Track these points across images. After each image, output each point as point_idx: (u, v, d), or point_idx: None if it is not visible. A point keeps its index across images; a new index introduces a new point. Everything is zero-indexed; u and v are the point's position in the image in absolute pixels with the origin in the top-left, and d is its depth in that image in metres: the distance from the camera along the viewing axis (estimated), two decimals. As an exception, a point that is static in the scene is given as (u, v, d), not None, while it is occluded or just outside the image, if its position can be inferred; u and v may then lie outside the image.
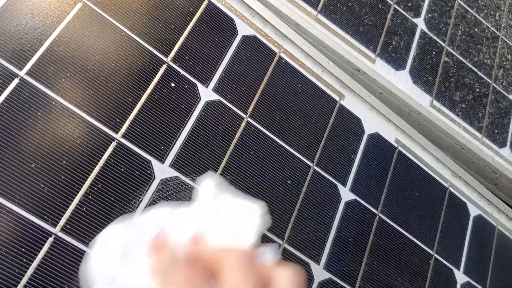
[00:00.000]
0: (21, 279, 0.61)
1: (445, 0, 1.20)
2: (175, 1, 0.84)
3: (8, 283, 0.60)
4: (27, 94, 0.68)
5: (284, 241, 0.81)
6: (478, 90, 1.15)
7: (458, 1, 1.22)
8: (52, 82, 0.70)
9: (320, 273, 0.82)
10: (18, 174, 0.64)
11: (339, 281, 0.84)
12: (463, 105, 1.10)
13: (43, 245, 0.63)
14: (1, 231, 0.61)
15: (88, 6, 0.76)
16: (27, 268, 0.62)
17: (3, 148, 0.64)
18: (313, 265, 0.82)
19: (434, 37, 1.13)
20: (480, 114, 1.12)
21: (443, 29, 1.15)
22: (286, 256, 0.80)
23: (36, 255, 0.63)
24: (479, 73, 1.17)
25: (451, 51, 1.14)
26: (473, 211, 1.06)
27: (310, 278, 0.81)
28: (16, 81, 0.67)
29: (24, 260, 0.62)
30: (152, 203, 0.72)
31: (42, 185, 0.65)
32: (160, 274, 0.30)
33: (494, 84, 1.18)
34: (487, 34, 1.23)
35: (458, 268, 0.99)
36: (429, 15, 1.15)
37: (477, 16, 1.24)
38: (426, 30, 1.13)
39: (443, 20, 1.17)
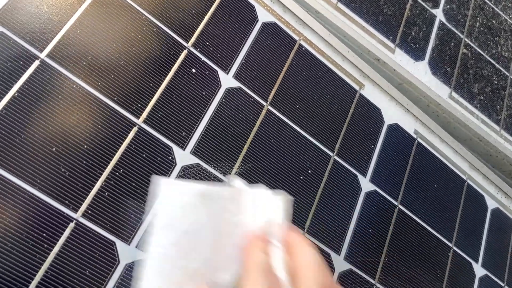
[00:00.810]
0: (42, 264, 0.60)
1: (463, -9, 1.18)
2: (196, -15, 0.82)
3: (29, 269, 0.59)
4: (47, 76, 0.66)
5: (305, 231, 0.79)
6: (496, 82, 1.13)
7: (476, -8, 1.20)
8: (73, 65, 0.68)
9: (340, 263, 0.81)
10: (39, 158, 0.63)
11: (359, 272, 0.82)
12: (481, 97, 1.09)
13: (64, 230, 0.62)
14: (22, 216, 0.60)
15: (109, -12, 0.74)
16: (48, 254, 0.60)
17: (23, 131, 0.63)
18: (333, 255, 0.81)
19: (453, 29, 1.12)
20: (498, 106, 1.11)
21: (461, 20, 1.14)
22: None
23: (57, 240, 0.61)
24: (497, 65, 1.15)
25: (469, 42, 1.13)
26: (491, 204, 1.05)
27: (331, 268, 0.80)
28: (36, 63, 0.66)
29: (45, 246, 0.60)
30: (173, 190, 0.70)
31: (63, 169, 0.64)
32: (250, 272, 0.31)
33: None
34: (505, 26, 1.22)
35: (477, 261, 0.97)
36: (448, 6, 1.13)
37: (495, 8, 1.22)
38: (444, 21, 1.11)
39: (461, 12, 1.15)
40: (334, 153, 0.87)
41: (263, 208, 0.36)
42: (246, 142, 0.79)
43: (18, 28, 0.66)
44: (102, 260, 0.63)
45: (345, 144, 0.89)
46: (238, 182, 0.37)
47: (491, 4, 1.22)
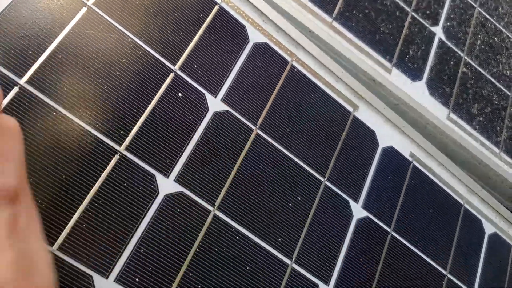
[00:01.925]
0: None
1: (464, 8, 1.15)
2: (184, 6, 0.80)
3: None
4: (26, 103, 0.64)
5: (293, 261, 0.77)
6: (496, 102, 1.10)
7: (478, 9, 1.17)
8: (53, 91, 0.66)
9: (329, 294, 0.79)
10: (15, 189, 0.61)
11: (348, 303, 0.80)
12: (481, 118, 1.06)
13: (40, 264, 0.60)
14: (-4, 250, 0.58)
15: (94, 10, 0.72)
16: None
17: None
18: (322, 286, 0.79)
19: (453, 47, 1.09)
20: (498, 127, 1.08)
21: (462, 38, 1.11)
22: (295, 277, 0.76)
23: (32, 275, 0.59)
24: (498, 84, 1.12)
25: (470, 61, 1.10)
26: (488, 229, 1.02)
27: (318, 300, 0.78)
28: (15, 89, 0.64)
29: (19, 280, 0.59)
30: (155, 219, 0.68)
31: (39, 201, 0.62)
32: None
33: (513, 96, 1.13)
34: (507, 43, 1.19)
35: (472, 290, 0.95)
36: (448, 23, 1.10)
37: (497, 24, 1.19)
38: (444, 39, 1.09)
39: (462, 29, 1.12)
40: (325, 179, 0.85)
41: None
42: (233, 168, 0.77)
43: (-3, 53, 0.64)
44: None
45: (337, 168, 0.87)
46: None
47: (493, 21, 1.19)
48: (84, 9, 0.72)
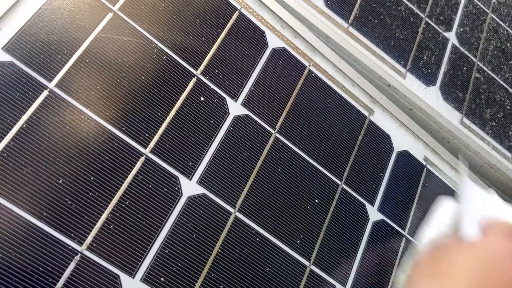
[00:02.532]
0: (46, 298, 0.60)
1: (477, 14, 1.17)
2: (206, 12, 0.82)
3: (33, 302, 0.59)
4: (56, 107, 0.66)
5: (311, 262, 0.79)
6: (509, 107, 1.12)
7: (491, 15, 1.19)
8: (81, 95, 0.68)
9: (346, 295, 0.80)
10: (45, 190, 0.63)
11: (365, 304, 0.82)
12: (493, 123, 1.08)
13: (69, 263, 0.62)
14: (28, 250, 0.60)
15: (119, 16, 0.74)
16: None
17: (30, 162, 0.63)
18: (339, 287, 0.80)
19: (466, 52, 1.10)
20: (511, 132, 1.09)
21: (475, 43, 1.13)
22: (314, 279, 0.78)
23: (62, 274, 0.61)
24: (510, 90, 1.14)
25: (482, 66, 1.11)
26: (501, 233, 1.03)
27: (336, 301, 0.79)
28: (45, 93, 0.66)
29: (50, 280, 0.60)
30: (179, 220, 0.70)
31: (69, 202, 0.64)
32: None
33: (525, 102, 1.15)
34: (519, 49, 1.20)
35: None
36: (461, 29, 1.12)
37: (510, 30, 1.21)
38: (457, 44, 1.10)
39: (474, 35, 1.14)
40: (342, 182, 0.86)
41: None
42: (253, 171, 0.79)
43: (28, 57, 0.66)
44: (106, 293, 0.63)
45: (354, 172, 0.88)
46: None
47: (505, 27, 1.20)
48: (110, 15, 0.74)
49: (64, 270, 0.62)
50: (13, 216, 0.60)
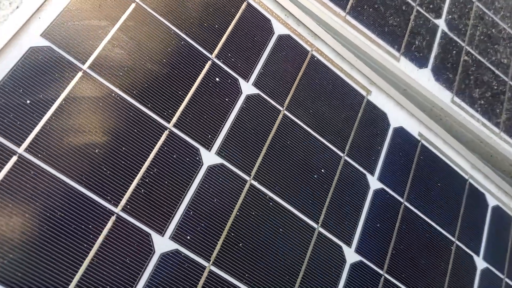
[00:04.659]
0: (88, 253, 0.68)
1: (464, 2, 1.26)
2: (218, 2, 0.90)
3: (76, 257, 0.67)
4: (89, 86, 0.74)
5: (319, 225, 0.87)
6: (496, 87, 1.20)
7: (477, 3, 1.28)
8: (111, 76, 0.76)
9: (351, 256, 0.89)
10: (84, 158, 0.71)
11: (369, 263, 0.90)
12: (482, 102, 1.16)
13: (107, 223, 0.70)
14: (71, 210, 0.68)
15: (141, 6, 0.82)
16: (93, 245, 0.68)
17: (70, 133, 0.71)
18: (345, 248, 0.88)
19: (455, 37, 1.19)
20: (498, 110, 1.18)
21: (463, 29, 1.21)
22: (322, 240, 0.86)
23: (101, 232, 0.69)
24: (497, 71, 1.23)
25: (470, 50, 1.20)
26: (492, 202, 1.12)
27: (342, 260, 0.87)
28: (79, 74, 0.74)
29: (91, 237, 0.68)
30: (200, 187, 0.78)
31: (105, 169, 0.72)
32: None
33: (510, 82, 1.24)
34: (504, 34, 1.29)
35: (478, 255, 1.05)
36: (450, 16, 1.21)
37: (494, 17, 1.30)
38: (446, 30, 1.19)
39: (462, 21, 1.23)
40: (345, 154, 0.95)
41: None
42: (265, 143, 0.87)
43: (64, 43, 0.74)
44: (139, 251, 0.71)
45: (355, 145, 0.97)
46: None
47: (490, 14, 1.29)
48: (133, 5, 0.82)
49: (103, 229, 0.70)
50: (58, 181, 0.68)
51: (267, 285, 0.80)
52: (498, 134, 1.16)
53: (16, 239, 0.64)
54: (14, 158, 0.66)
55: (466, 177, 1.10)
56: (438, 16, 1.20)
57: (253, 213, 0.82)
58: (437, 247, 1.00)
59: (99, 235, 0.69)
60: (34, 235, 0.65)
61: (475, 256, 1.04)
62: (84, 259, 0.67)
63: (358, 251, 0.90)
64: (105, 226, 0.70)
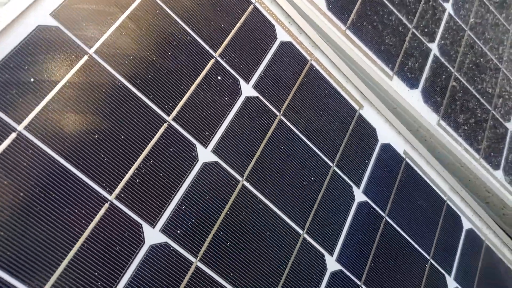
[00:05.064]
0: (79, 237, 0.67)
1: (457, 30, 1.30)
2: (226, 2, 0.91)
3: (68, 238, 0.66)
4: (96, 71, 0.74)
5: (304, 231, 0.88)
6: (479, 115, 1.25)
7: (468, 32, 1.32)
8: (116, 63, 0.76)
9: (332, 264, 0.90)
10: (83, 142, 0.70)
11: (348, 273, 0.92)
12: (466, 127, 1.20)
13: (100, 210, 0.70)
14: (66, 194, 0.67)
15: (152, -3, 0.83)
16: (85, 229, 0.68)
17: (70, 115, 0.70)
18: (327, 256, 0.90)
19: (445, 63, 1.23)
20: (480, 137, 1.22)
21: (454, 56, 1.25)
22: (306, 246, 0.88)
23: (93, 218, 0.69)
24: (481, 99, 1.27)
25: (459, 77, 1.24)
26: (466, 225, 1.16)
27: (323, 268, 0.89)
28: (85, 57, 0.74)
29: (83, 222, 0.68)
30: (194, 182, 0.79)
31: (102, 155, 0.72)
32: None
33: (493, 112, 1.28)
34: (491, 65, 1.34)
35: (450, 275, 1.08)
36: (442, 41, 1.24)
37: (483, 48, 1.34)
38: (438, 55, 1.23)
39: (454, 48, 1.27)
40: (334, 164, 0.97)
41: None
42: (259, 146, 0.88)
43: (72, 25, 0.74)
44: (129, 240, 0.71)
45: (344, 157, 0.99)
46: None
47: (480, 44, 1.34)
48: (143, -4, 0.82)
49: (95, 215, 0.69)
50: (55, 163, 0.67)
51: (250, 286, 0.80)
52: (478, 160, 1.20)
53: (8, 216, 0.63)
54: (13, 135, 0.66)
55: (445, 198, 1.13)
56: (432, 40, 1.23)
57: (243, 214, 0.83)
58: (413, 264, 1.02)
59: (91, 221, 0.69)
60: (26, 214, 0.64)
61: (447, 276, 1.08)
62: (75, 244, 0.67)
63: (339, 260, 0.91)
64: (98, 212, 0.69)
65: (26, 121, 0.67)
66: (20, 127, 0.66)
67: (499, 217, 1.26)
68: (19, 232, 0.63)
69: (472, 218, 1.17)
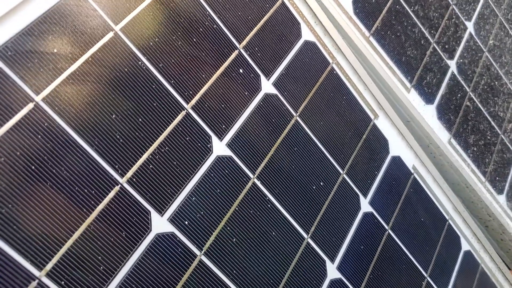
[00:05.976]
0: (86, 218, 0.65)
1: (476, 50, 1.29)
2: (256, -6, 0.89)
3: (74, 219, 0.64)
4: (119, 49, 0.72)
5: (309, 236, 0.87)
6: (489, 138, 1.24)
7: (486, 53, 1.32)
8: (142, 44, 0.74)
9: (333, 272, 0.89)
10: (99, 120, 0.68)
11: (347, 282, 0.90)
12: (475, 148, 1.20)
13: (109, 192, 0.67)
14: (78, 172, 0.65)
15: (183, -20, 0.80)
16: (93, 210, 0.66)
17: (94, 94, 0.68)
18: (328, 263, 0.89)
19: (461, 81, 1.22)
20: (487, 160, 1.22)
21: (470, 75, 1.25)
22: (308, 251, 0.86)
23: (103, 199, 0.67)
24: (492, 122, 1.26)
25: (473, 97, 1.23)
26: (465, 246, 1.15)
27: (324, 275, 0.88)
28: (110, 34, 0.71)
29: (92, 202, 0.66)
30: (207, 174, 0.77)
31: (118, 136, 0.69)
32: None
33: (502, 136, 1.28)
34: (504, 89, 1.33)
35: (444, 294, 1.07)
36: (461, 60, 1.24)
37: (499, 71, 1.34)
38: (456, 73, 1.22)
39: (471, 68, 1.26)
40: (344, 171, 0.95)
41: None
42: (274, 145, 0.86)
43: (101, 0, 0.72)
44: (136, 227, 0.69)
45: (354, 165, 0.97)
46: None
47: (496, 67, 1.33)
48: (174, -23, 0.80)
49: (105, 197, 0.67)
50: (70, 139, 0.65)
51: (251, 285, 0.79)
52: (484, 182, 1.19)
53: (17, 189, 0.60)
54: (31, 105, 0.63)
55: (447, 217, 1.13)
56: (451, 57, 1.22)
57: (251, 212, 0.81)
58: (410, 279, 1.02)
59: (100, 202, 0.66)
60: (35, 189, 0.62)
61: (441, 295, 1.07)
62: (81, 224, 0.64)
63: (339, 268, 0.90)
64: (107, 194, 0.67)
65: (44, 93, 0.64)
66: (38, 98, 0.64)
67: (496, 242, 1.26)
68: (26, 206, 0.61)
69: (471, 240, 1.16)
